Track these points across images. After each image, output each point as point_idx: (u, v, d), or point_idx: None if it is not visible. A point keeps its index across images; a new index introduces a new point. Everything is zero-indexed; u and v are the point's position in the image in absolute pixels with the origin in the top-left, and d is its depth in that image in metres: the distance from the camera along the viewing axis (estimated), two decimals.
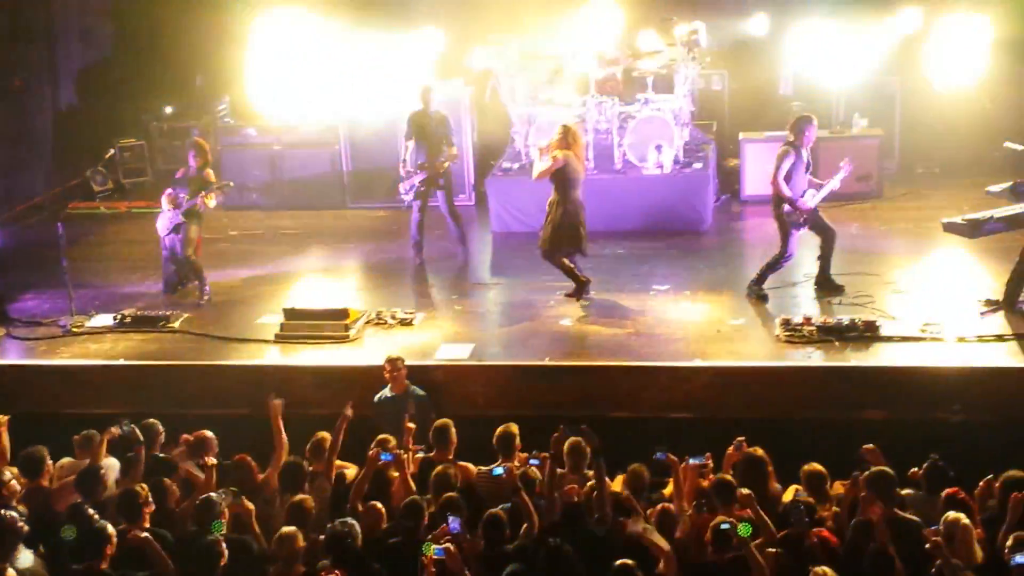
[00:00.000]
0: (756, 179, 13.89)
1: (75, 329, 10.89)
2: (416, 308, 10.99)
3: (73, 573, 6.65)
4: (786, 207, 10.43)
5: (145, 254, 12.76)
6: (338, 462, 8.07)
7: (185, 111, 16.62)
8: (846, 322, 9.79)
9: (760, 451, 7.63)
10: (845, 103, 14.52)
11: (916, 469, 7.62)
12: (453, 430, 8.14)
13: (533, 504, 7.11)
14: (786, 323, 9.95)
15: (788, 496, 7.46)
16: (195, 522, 7.14)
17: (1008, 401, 8.97)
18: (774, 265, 10.73)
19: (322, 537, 6.87)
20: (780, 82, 15.21)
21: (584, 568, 6.51)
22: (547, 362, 9.74)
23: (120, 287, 12.12)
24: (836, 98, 14.58)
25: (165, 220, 11.47)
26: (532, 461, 7.49)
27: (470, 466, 8.02)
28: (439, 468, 7.64)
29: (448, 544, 6.41)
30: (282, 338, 10.39)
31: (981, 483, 7.42)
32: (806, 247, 10.93)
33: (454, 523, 6.63)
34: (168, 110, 16.64)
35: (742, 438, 7.79)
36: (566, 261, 10.92)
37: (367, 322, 10.64)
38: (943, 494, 7.15)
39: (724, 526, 6.61)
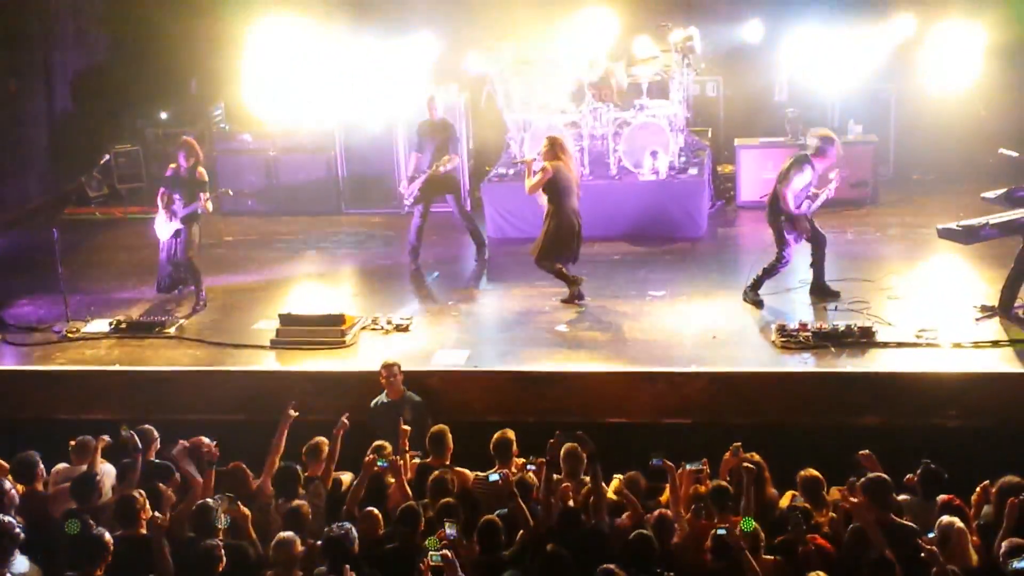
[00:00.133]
0: (751, 185, 13.98)
1: (70, 335, 10.87)
2: (412, 314, 10.99)
3: None
4: (784, 217, 10.44)
5: (140, 260, 12.75)
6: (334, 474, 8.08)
7: (180, 116, 16.60)
8: (842, 328, 9.79)
9: (757, 456, 7.64)
10: (840, 109, 14.57)
11: (911, 475, 7.63)
12: (449, 436, 8.13)
13: (529, 510, 7.12)
14: (782, 329, 9.95)
15: (785, 502, 7.48)
16: (192, 528, 7.13)
17: (1004, 406, 8.98)
18: (771, 271, 10.73)
19: (319, 543, 6.87)
20: (775, 88, 15.23)
21: (580, 573, 6.52)
22: (543, 368, 9.73)
23: (115, 293, 12.09)
24: (831, 104, 14.64)
25: (164, 226, 11.44)
26: (528, 467, 7.50)
27: (467, 472, 8.02)
28: (436, 472, 7.64)
29: (445, 551, 6.41)
30: (278, 344, 10.38)
31: (977, 489, 7.44)
32: (801, 253, 10.94)
33: (450, 530, 6.62)
34: (163, 115, 16.63)
35: (738, 443, 7.79)
36: (558, 266, 10.93)
37: (363, 328, 10.63)
38: (939, 501, 7.17)
39: (720, 531, 6.63)
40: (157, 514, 6.97)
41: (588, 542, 6.91)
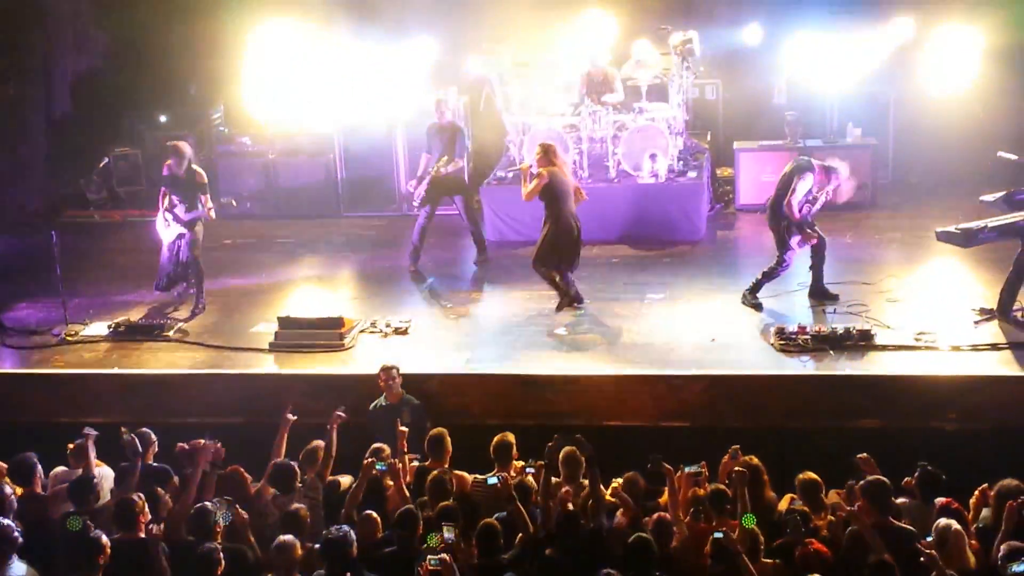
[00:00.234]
0: (750, 188, 13.98)
1: (69, 338, 10.87)
2: (411, 317, 10.98)
3: None
4: (786, 223, 10.45)
5: (139, 263, 12.72)
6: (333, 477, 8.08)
7: (179, 120, 16.56)
8: (841, 331, 9.79)
9: (755, 460, 7.64)
10: (839, 112, 14.53)
11: (910, 478, 7.63)
12: (448, 439, 8.14)
13: (528, 513, 7.11)
14: (781, 332, 9.95)
15: (783, 505, 7.49)
16: (191, 531, 7.13)
17: (1002, 410, 8.98)
18: (770, 275, 10.75)
19: (317, 546, 6.86)
20: (774, 91, 15.22)
21: None
22: (542, 371, 9.73)
23: (114, 296, 12.08)
24: (830, 107, 14.61)
25: (167, 229, 11.42)
26: (527, 470, 7.50)
27: (465, 475, 8.02)
28: (435, 474, 7.64)
29: (444, 555, 6.40)
30: (277, 347, 10.38)
31: (976, 492, 7.44)
32: (800, 257, 10.93)
33: (449, 535, 6.62)
34: (162, 119, 16.59)
35: (737, 447, 7.80)
36: (552, 274, 10.91)
37: (362, 331, 10.63)
38: (937, 504, 7.17)
39: (718, 535, 6.63)
40: (153, 526, 6.95)
41: (587, 545, 6.91)
